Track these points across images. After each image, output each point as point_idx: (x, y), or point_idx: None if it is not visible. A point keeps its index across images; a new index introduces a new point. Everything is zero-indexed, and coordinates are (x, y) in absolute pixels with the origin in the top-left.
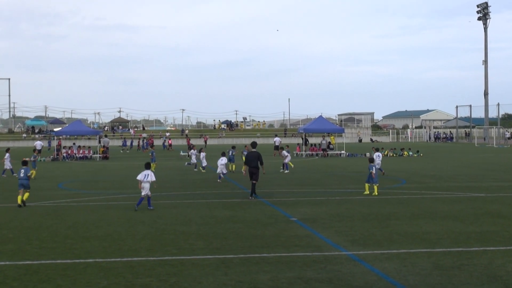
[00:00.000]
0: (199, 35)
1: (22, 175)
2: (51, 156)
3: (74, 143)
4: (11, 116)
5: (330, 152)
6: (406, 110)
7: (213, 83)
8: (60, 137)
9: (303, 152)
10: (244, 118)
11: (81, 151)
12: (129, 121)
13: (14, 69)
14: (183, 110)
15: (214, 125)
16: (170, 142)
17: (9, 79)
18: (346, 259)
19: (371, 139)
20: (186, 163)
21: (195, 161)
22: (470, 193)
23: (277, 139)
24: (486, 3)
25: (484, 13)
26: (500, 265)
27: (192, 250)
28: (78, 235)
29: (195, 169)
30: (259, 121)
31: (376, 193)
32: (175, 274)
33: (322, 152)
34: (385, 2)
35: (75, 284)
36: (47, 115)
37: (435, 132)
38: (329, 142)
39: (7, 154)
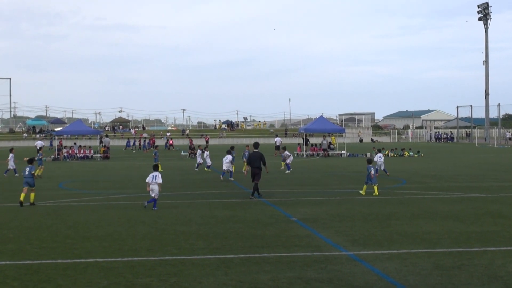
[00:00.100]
0: (199, 35)
1: (27, 173)
2: (52, 156)
3: (75, 143)
4: (12, 116)
5: (330, 152)
6: (406, 110)
7: (214, 83)
8: (61, 137)
9: (304, 152)
10: (245, 118)
11: (82, 151)
12: (129, 121)
13: (15, 69)
14: (184, 110)
15: (215, 125)
16: (171, 142)
17: (10, 79)
18: (347, 259)
19: (372, 139)
20: (196, 168)
21: (201, 161)
22: (471, 193)
23: (277, 139)
24: (487, 3)
25: (485, 13)
26: (501, 266)
27: (193, 250)
28: (78, 235)
29: (196, 169)
30: (259, 121)
31: (376, 193)
32: (175, 274)
33: (322, 152)
34: (385, 2)
35: (76, 284)
36: (48, 115)
37: (435, 132)
38: (330, 142)
39: (11, 154)
